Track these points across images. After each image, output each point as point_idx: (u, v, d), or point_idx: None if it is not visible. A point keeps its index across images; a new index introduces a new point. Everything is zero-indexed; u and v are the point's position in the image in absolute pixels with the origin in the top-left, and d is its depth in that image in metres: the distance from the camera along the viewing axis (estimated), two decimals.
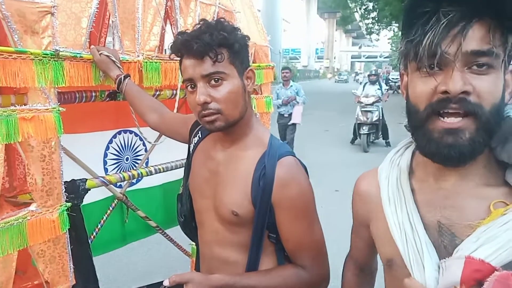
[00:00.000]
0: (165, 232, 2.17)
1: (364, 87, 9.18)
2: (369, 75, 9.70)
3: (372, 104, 8.71)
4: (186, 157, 1.34)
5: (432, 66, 0.68)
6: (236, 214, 1.08)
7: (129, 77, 1.49)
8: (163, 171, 1.87)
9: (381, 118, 8.74)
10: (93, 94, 1.57)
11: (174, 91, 1.85)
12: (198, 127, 1.26)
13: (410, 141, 0.88)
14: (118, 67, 1.48)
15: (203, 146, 1.23)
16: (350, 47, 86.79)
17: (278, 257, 1.14)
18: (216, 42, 1.02)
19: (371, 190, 0.89)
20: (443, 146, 0.68)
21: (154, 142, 1.98)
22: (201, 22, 1.08)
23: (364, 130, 8.64)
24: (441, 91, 0.67)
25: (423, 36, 0.67)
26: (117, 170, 2.09)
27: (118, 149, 2.10)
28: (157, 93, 1.80)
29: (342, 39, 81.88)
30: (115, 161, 2.09)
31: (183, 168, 1.42)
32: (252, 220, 1.08)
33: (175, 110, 1.75)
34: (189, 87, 1.07)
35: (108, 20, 1.98)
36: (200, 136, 1.25)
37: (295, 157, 1.12)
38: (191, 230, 1.32)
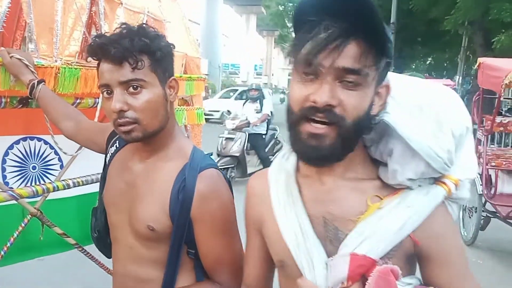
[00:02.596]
0: (84, 250, 2.03)
1: (244, 106, 7.11)
2: (249, 89, 7.33)
3: (237, 130, 6.50)
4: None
5: (308, 74, 0.73)
6: (152, 229, 1.02)
7: (43, 83, 1.39)
8: (82, 185, 1.75)
9: (245, 149, 6.49)
10: (3, 100, 1.44)
11: (97, 100, 1.76)
12: (116, 137, 1.19)
13: None
14: (32, 71, 1.38)
15: (120, 156, 1.16)
16: (287, 65, 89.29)
17: (196, 274, 1.09)
18: (136, 48, 0.97)
19: (263, 191, 0.91)
20: (307, 147, 0.75)
21: (74, 153, 1.86)
22: (122, 26, 1.02)
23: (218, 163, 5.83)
24: (311, 100, 0.73)
25: (304, 44, 0.72)
26: (21, 179, 1.93)
27: (21, 157, 1.94)
28: (78, 101, 1.70)
29: (280, 57, 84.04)
30: (18, 169, 1.93)
31: None
32: (170, 235, 1.03)
33: (95, 119, 1.66)
34: (105, 93, 1.01)
35: (25, 22, 1.86)
36: (117, 146, 1.18)
37: (218, 169, 1.09)
38: (105, 246, 1.23)
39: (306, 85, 0.74)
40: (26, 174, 1.95)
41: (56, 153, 2.01)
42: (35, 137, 1.94)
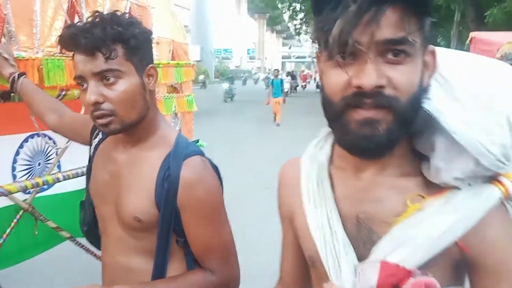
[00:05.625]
0: (79, 243, 2.03)
1: None
2: None
3: None
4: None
5: (344, 56, 0.63)
6: (139, 220, 1.01)
7: (24, 76, 1.36)
8: (72, 177, 1.74)
9: None
10: None
11: None
12: None
13: (329, 132, 0.82)
14: (12, 64, 1.35)
15: (104, 147, 1.14)
16: (280, 48, 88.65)
17: (187, 262, 1.08)
18: (109, 37, 0.93)
19: (294, 181, 0.84)
20: (361, 137, 0.64)
21: (62, 146, 1.84)
22: (95, 14, 0.99)
23: None
24: (355, 85, 0.62)
25: (332, 24, 0.61)
26: (29, 177, 1.91)
27: (30, 154, 1.92)
28: (63, 93, 1.67)
29: (272, 40, 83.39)
30: (27, 167, 1.91)
31: None
32: (157, 224, 1.02)
33: (82, 111, 1.63)
34: (81, 85, 0.98)
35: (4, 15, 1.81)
36: (100, 136, 1.16)
37: (204, 156, 1.07)
38: (96, 238, 1.22)
39: (344, 69, 0.63)
40: (33, 172, 1.93)
41: (54, 147, 1.99)
42: (42, 133, 1.91)
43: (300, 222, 0.81)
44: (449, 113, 0.66)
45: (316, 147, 0.83)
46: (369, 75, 0.60)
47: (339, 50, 0.62)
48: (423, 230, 0.66)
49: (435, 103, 0.67)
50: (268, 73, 26.31)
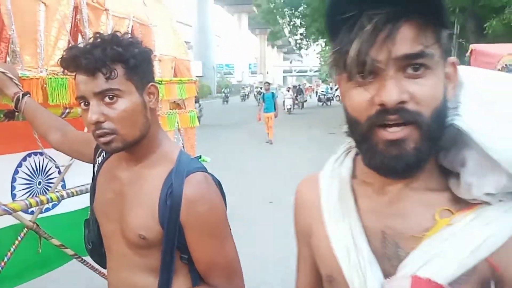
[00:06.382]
0: (83, 260, 2.02)
1: None
2: None
3: None
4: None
5: (363, 75, 0.63)
6: (144, 237, 1.01)
7: (28, 95, 1.38)
8: (77, 195, 1.73)
9: None
10: None
11: None
12: None
13: (349, 147, 0.83)
14: (16, 84, 1.37)
15: (107, 166, 1.15)
16: (281, 62, 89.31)
17: (192, 279, 1.08)
18: (109, 58, 0.96)
19: (313, 199, 0.82)
20: (388, 158, 0.63)
21: (64, 164, 1.85)
22: (96, 35, 1.01)
23: None
24: (377, 103, 0.62)
25: (349, 45, 0.62)
26: (29, 196, 1.91)
27: (29, 173, 1.92)
28: (67, 111, 1.69)
29: (274, 54, 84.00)
30: (26, 186, 1.91)
31: None
32: (161, 241, 1.02)
33: (85, 129, 1.64)
34: (82, 105, 1.00)
35: (9, 35, 1.84)
36: (104, 155, 1.17)
37: (206, 172, 1.08)
38: (100, 257, 1.22)
39: (366, 88, 0.64)
40: (33, 190, 1.93)
41: (56, 166, 1.99)
42: (39, 151, 1.92)
43: (319, 241, 0.80)
44: (482, 129, 0.65)
45: (335, 163, 0.83)
46: (390, 91, 0.61)
47: (358, 70, 0.63)
48: (454, 245, 0.64)
49: (466, 119, 0.67)
50: (261, 88, 23.77)
